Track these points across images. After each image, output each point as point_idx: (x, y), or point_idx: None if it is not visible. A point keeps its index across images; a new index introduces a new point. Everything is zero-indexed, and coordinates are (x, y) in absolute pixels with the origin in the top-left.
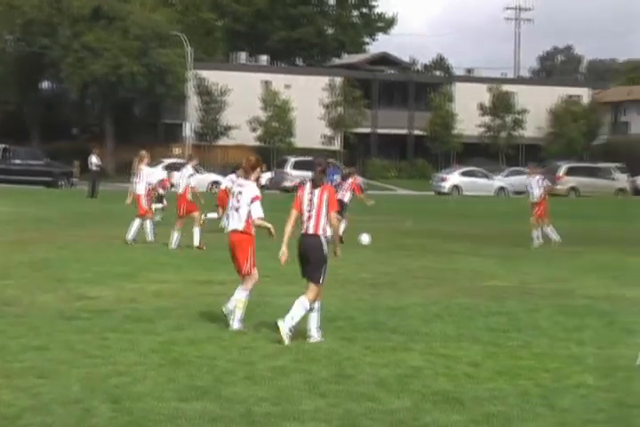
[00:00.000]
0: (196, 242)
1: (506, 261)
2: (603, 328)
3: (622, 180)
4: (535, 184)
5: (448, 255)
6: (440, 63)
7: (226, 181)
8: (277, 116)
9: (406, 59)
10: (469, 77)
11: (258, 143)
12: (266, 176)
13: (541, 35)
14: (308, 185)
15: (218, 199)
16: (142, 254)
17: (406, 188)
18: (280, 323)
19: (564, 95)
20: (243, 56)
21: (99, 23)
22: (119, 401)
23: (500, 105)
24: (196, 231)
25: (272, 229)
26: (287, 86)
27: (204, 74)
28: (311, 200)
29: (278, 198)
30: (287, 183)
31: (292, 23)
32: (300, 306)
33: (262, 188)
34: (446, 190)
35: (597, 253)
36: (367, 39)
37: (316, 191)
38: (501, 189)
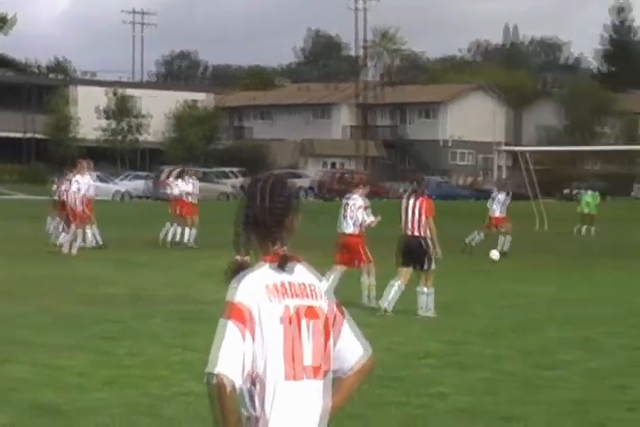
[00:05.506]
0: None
1: (124, 266)
2: (213, 334)
3: (228, 184)
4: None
5: (71, 262)
6: (60, 65)
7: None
8: None
9: (30, 60)
10: (90, 80)
11: None
12: None
13: (166, 39)
14: (407, 195)
15: None
16: None
17: (24, 192)
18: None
19: (187, 100)
20: None
21: None
22: None
23: (121, 109)
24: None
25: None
26: None
27: None
28: (407, 207)
29: None
30: None
31: None
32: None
33: None
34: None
35: (215, 257)
36: None
37: (412, 200)
38: (122, 193)
